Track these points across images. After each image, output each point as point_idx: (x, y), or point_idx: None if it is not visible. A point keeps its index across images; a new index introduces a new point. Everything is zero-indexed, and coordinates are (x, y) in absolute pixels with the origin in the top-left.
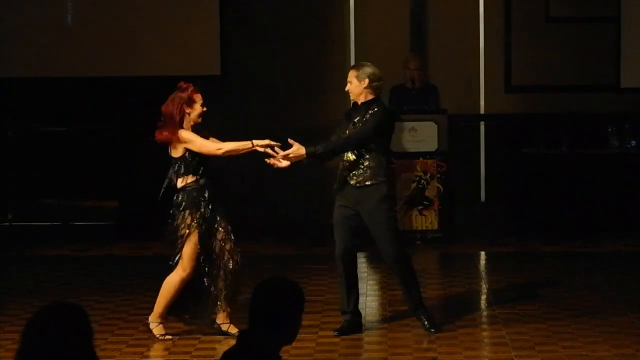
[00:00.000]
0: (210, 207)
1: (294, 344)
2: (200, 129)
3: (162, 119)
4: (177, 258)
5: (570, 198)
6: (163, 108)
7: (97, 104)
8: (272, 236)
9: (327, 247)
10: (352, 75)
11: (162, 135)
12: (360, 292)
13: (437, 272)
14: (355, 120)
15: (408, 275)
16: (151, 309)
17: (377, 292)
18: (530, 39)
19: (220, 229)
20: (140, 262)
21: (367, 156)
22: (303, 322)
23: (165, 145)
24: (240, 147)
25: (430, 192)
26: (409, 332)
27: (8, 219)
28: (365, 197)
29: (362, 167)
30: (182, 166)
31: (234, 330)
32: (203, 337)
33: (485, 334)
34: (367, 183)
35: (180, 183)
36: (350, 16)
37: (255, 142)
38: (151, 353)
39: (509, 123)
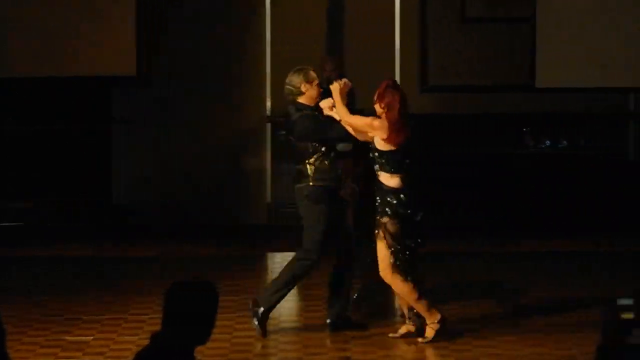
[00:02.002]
0: None
1: (208, 344)
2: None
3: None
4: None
5: (486, 198)
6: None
7: (13, 104)
8: (190, 237)
9: (244, 248)
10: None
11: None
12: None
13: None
14: None
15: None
16: (66, 309)
17: (292, 292)
18: (446, 39)
19: None
20: (55, 263)
21: None
22: (217, 322)
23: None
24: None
25: (344, 193)
26: (324, 332)
27: None
28: None
29: None
30: None
31: None
32: (117, 338)
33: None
34: None
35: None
36: (267, 17)
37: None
38: (65, 354)
39: (424, 123)
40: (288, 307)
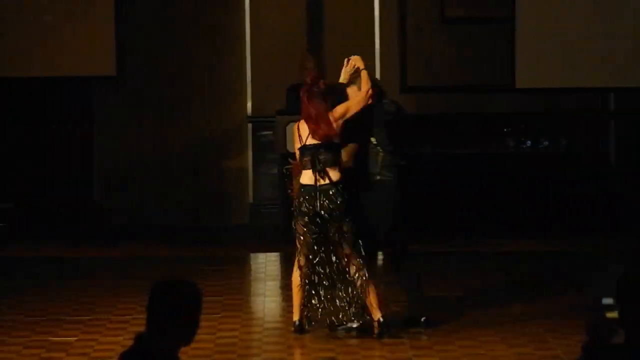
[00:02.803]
0: None
1: (193, 345)
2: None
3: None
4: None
5: (465, 198)
6: (310, 111)
7: None
8: (171, 237)
9: (226, 248)
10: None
11: (324, 133)
12: (259, 292)
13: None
14: None
15: None
16: (49, 310)
17: (277, 293)
18: (426, 40)
19: None
20: (37, 263)
21: None
22: (201, 323)
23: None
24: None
25: None
26: (307, 333)
27: None
28: None
29: None
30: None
31: None
32: (101, 338)
33: None
34: None
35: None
36: (246, 16)
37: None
38: (49, 355)
39: (404, 124)
40: (272, 308)
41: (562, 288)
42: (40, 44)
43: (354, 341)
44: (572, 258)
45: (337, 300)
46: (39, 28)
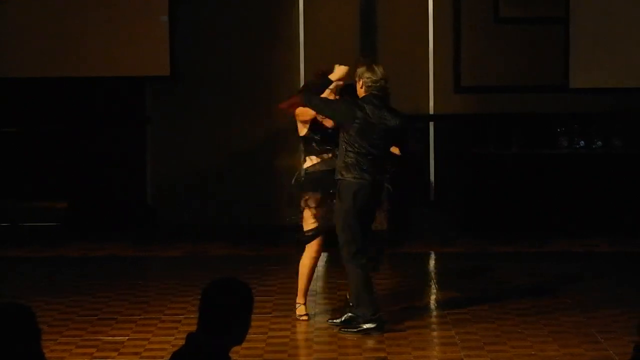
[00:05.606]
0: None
1: (244, 345)
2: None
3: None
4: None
5: (520, 198)
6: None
7: (46, 104)
8: (223, 237)
9: (278, 248)
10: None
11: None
12: (311, 292)
13: (387, 273)
14: None
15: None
16: (101, 310)
17: (328, 293)
18: (480, 40)
19: None
20: (90, 263)
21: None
22: (253, 323)
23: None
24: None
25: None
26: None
27: None
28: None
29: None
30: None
31: None
32: (152, 338)
33: (434, 334)
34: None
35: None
36: (300, 17)
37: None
38: (100, 354)
39: (458, 123)
40: (322, 308)
41: (620, 289)
42: (95, 44)
43: (405, 341)
44: (635, 259)
45: None
46: (93, 28)
